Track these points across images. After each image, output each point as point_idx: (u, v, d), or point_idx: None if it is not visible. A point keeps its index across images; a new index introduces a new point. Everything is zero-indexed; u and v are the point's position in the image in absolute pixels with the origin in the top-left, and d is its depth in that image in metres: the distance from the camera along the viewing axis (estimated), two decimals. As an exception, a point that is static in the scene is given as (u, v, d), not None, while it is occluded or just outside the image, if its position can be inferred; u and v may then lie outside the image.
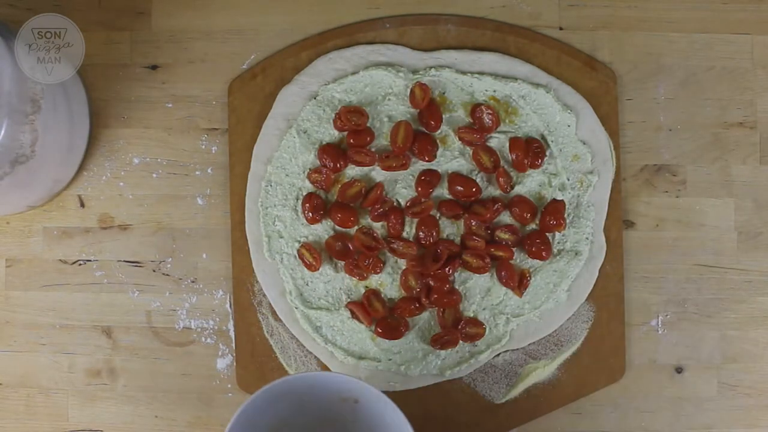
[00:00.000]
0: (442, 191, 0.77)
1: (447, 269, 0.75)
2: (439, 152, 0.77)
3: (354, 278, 0.76)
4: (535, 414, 0.77)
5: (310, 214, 0.76)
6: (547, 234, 0.77)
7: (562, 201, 0.77)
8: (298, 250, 0.76)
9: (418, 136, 0.77)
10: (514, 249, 0.76)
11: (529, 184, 0.77)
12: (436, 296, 0.75)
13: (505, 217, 0.77)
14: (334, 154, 0.76)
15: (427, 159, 0.77)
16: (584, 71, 0.79)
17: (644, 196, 0.79)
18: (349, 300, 0.77)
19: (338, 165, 0.76)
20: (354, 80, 0.78)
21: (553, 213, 0.76)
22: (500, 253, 0.75)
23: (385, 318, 0.76)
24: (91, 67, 0.80)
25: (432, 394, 0.77)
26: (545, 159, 0.77)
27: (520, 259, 0.77)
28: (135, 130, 0.80)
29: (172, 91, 0.80)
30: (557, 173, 0.77)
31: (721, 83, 0.80)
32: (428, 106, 0.76)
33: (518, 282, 0.76)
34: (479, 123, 0.77)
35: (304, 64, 0.79)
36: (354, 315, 0.76)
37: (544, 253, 0.76)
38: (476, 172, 0.77)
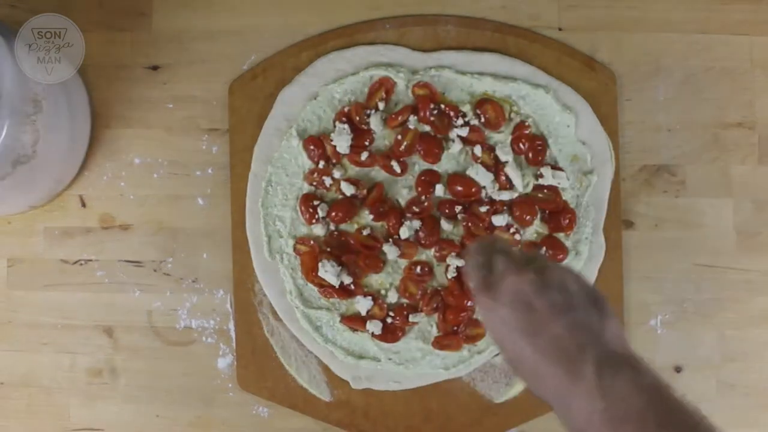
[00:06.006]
0: (442, 191, 0.77)
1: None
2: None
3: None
4: (534, 413, 0.78)
5: (307, 215, 0.76)
6: (554, 235, 0.77)
7: (565, 200, 0.77)
8: (294, 246, 0.77)
9: (424, 137, 0.77)
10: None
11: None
12: (463, 334, 0.76)
13: (505, 218, 0.77)
14: (317, 142, 0.76)
15: (431, 161, 0.77)
16: (584, 72, 0.79)
17: (643, 196, 0.80)
18: (344, 312, 0.77)
19: (324, 153, 0.76)
20: (354, 80, 0.78)
21: (564, 213, 0.77)
22: None
23: (383, 321, 0.76)
24: (92, 68, 0.80)
25: (432, 394, 0.78)
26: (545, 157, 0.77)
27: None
28: (136, 130, 0.81)
29: (172, 91, 0.81)
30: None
31: (720, 84, 0.80)
32: (439, 108, 0.77)
33: None
34: (485, 118, 0.77)
35: (304, 64, 0.79)
36: (352, 329, 0.77)
37: (560, 255, 0.76)
38: (475, 171, 0.77)
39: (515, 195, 0.77)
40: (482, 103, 0.77)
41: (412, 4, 0.80)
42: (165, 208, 0.80)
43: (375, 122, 0.77)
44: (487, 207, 0.76)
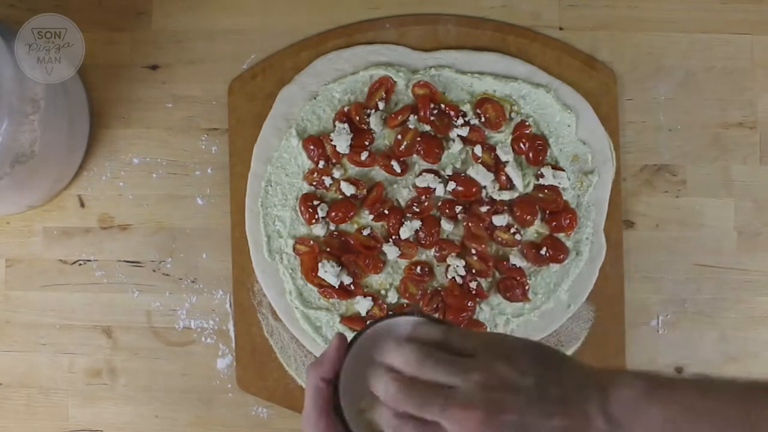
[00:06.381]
0: (443, 191, 0.77)
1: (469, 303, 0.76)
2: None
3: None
4: (535, 414, 0.77)
5: (306, 215, 0.76)
6: (555, 235, 0.77)
7: (566, 200, 0.77)
8: (293, 246, 0.77)
9: (424, 137, 0.77)
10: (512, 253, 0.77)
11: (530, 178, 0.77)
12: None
13: (505, 218, 0.77)
14: (317, 142, 0.76)
15: (431, 161, 0.77)
16: (584, 71, 0.79)
17: (644, 196, 0.79)
18: (344, 312, 0.77)
19: (324, 153, 0.76)
20: (354, 80, 0.78)
21: (565, 213, 0.77)
22: (513, 276, 0.77)
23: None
24: (92, 67, 0.80)
25: (432, 394, 0.77)
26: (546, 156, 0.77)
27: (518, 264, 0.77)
28: (135, 130, 0.81)
29: (172, 91, 0.80)
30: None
31: (720, 83, 0.80)
32: (439, 108, 0.77)
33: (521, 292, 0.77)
34: (485, 117, 0.77)
35: (304, 64, 0.79)
36: (352, 329, 0.76)
37: (561, 256, 0.76)
38: (476, 171, 0.77)
39: (516, 195, 0.77)
40: (482, 102, 0.77)
41: (412, 4, 0.80)
42: (164, 208, 0.80)
43: (375, 122, 0.76)
44: (488, 207, 0.76)
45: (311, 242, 0.76)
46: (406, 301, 0.77)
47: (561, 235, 0.77)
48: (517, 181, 0.76)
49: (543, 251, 0.76)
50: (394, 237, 0.76)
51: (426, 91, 0.77)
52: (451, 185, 0.76)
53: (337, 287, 0.76)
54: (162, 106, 0.80)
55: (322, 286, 0.76)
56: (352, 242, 0.77)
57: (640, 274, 0.79)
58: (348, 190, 0.76)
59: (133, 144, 0.81)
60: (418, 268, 0.76)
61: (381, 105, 0.77)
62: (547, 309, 0.77)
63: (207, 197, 0.80)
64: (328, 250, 0.77)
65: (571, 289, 0.77)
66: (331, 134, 0.76)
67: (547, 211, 0.77)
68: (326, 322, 0.77)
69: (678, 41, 0.80)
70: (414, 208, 0.76)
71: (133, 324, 0.80)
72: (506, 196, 0.76)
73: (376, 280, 0.77)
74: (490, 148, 0.77)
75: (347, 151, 0.76)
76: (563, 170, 0.77)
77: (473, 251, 0.76)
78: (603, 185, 0.78)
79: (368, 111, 0.77)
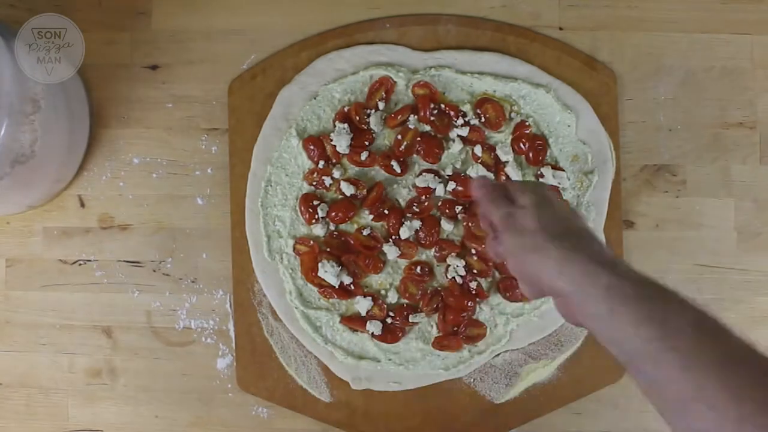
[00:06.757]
0: (443, 191, 0.77)
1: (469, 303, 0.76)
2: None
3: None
4: (535, 414, 0.77)
5: (307, 215, 0.76)
6: None
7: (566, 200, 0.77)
8: (294, 246, 0.77)
9: (424, 137, 0.77)
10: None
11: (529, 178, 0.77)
12: (463, 334, 0.76)
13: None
14: (317, 142, 0.76)
15: (431, 161, 0.77)
16: (584, 71, 0.79)
17: (644, 196, 0.79)
18: (344, 312, 0.77)
19: (324, 153, 0.76)
20: (354, 80, 0.78)
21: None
22: (513, 276, 0.76)
23: (383, 321, 0.76)
24: (92, 67, 0.80)
25: (432, 394, 0.77)
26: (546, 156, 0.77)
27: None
28: (135, 130, 0.81)
29: (172, 91, 0.80)
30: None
31: (720, 83, 0.80)
32: (439, 108, 0.77)
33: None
34: (485, 118, 0.76)
35: (304, 64, 0.79)
36: (352, 329, 0.77)
37: None
38: (476, 171, 0.77)
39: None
40: (482, 102, 0.77)
41: (412, 4, 0.80)
42: (164, 208, 0.80)
43: (375, 122, 0.76)
44: (488, 207, 0.76)
45: (311, 242, 0.76)
46: (406, 301, 0.77)
47: (561, 235, 0.77)
48: (517, 181, 0.76)
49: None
50: (394, 237, 0.76)
51: (426, 91, 0.77)
52: (451, 185, 0.76)
53: (337, 287, 0.76)
54: (162, 106, 0.80)
55: (322, 286, 0.76)
56: (352, 242, 0.77)
57: (640, 274, 0.79)
58: (348, 190, 0.76)
59: (133, 144, 0.81)
60: (418, 268, 0.76)
61: (381, 105, 0.77)
62: (547, 309, 0.77)
63: (207, 197, 0.80)
64: (328, 250, 0.77)
65: (571, 289, 0.77)
66: (331, 134, 0.76)
67: (547, 211, 0.77)
68: (326, 322, 0.77)
69: (678, 41, 0.80)
70: (414, 208, 0.76)
71: (133, 324, 0.80)
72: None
73: (376, 280, 0.77)
74: (490, 148, 0.77)
75: (347, 151, 0.76)
76: (563, 170, 0.77)
77: (473, 251, 0.76)
78: (603, 185, 0.78)
79: (368, 111, 0.77)
